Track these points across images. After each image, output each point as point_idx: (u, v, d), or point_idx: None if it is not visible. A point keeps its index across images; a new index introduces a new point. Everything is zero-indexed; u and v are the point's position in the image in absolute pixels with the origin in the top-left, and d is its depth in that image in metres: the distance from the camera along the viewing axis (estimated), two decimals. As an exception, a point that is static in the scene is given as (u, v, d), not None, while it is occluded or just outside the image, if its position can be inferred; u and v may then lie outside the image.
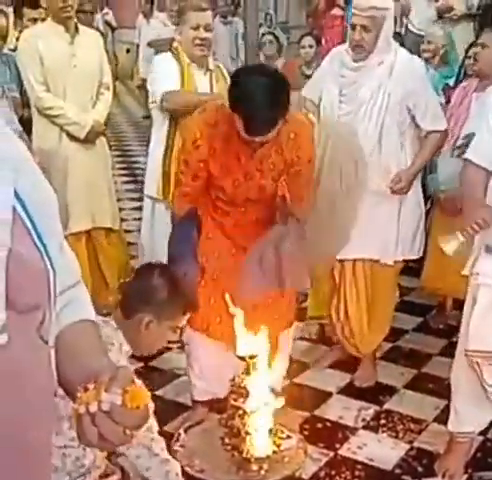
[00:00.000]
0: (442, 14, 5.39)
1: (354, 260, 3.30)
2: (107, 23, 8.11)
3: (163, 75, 3.32)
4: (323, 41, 5.94)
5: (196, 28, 3.26)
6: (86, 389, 0.99)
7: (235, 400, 2.43)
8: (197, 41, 3.27)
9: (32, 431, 1.00)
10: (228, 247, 2.79)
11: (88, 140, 3.65)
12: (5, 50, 3.92)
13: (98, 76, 3.68)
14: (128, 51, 7.43)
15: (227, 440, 2.47)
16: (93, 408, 0.97)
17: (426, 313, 4.28)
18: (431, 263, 3.97)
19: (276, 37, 5.48)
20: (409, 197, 3.27)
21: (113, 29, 7.64)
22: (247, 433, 2.44)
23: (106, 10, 9.66)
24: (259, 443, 2.45)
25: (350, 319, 3.38)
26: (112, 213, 3.78)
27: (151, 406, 1.02)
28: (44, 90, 3.55)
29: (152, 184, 3.46)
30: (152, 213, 3.52)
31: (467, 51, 4.40)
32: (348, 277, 3.34)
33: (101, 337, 1.22)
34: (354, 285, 3.35)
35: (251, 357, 2.43)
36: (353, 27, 3.10)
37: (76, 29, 3.61)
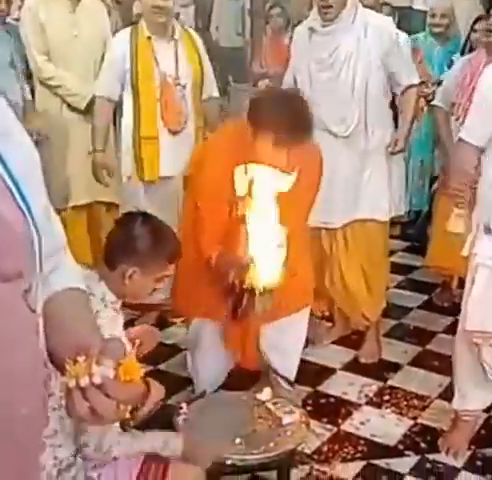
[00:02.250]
0: None
1: (344, 224, 3.30)
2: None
3: (107, 65, 3.36)
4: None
5: None
6: (76, 362, 0.95)
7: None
8: (155, 9, 3.21)
9: (21, 402, 0.96)
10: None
11: (89, 112, 3.58)
12: (9, 19, 3.85)
13: (101, 47, 3.61)
14: (132, 23, 7.28)
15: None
16: (84, 382, 0.93)
17: (431, 291, 4.25)
18: (436, 242, 3.95)
19: (284, 9, 5.36)
20: (390, 156, 3.32)
21: (118, 1, 7.52)
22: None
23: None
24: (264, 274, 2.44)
25: (348, 286, 3.38)
26: (114, 187, 3.73)
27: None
28: (45, 60, 3.49)
29: (127, 165, 3.42)
30: (133, 193, 3.45)
31: (474, 24, 4.34)
32: (340, 243, 3.33)
33: (91, 308, 1.18)
34: (347, 249, 3.35)
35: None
36: None
37: None
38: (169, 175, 3.33)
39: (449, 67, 4.22)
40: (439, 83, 4.12)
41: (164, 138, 3.29)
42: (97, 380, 0.92)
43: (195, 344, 2.91)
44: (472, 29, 4.36)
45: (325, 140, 3.04)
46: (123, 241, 2.01)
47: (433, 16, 4.57)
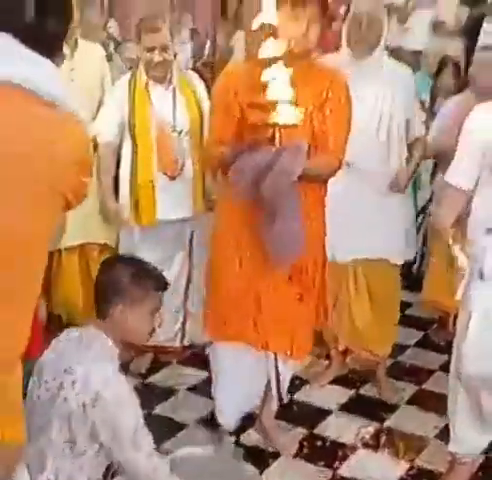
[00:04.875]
0: (437, 28, 5.40)
1: (355, 261, 3.31)
2: (110, 37, 7.90)
3: (107, 111, 3.42)
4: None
5: (151, 50, 3.26)
6: None
7: None
8: (152, 64, 3.28)
9: None
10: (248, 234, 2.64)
11: None
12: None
13: (98, 92, 3.66)
14: (131, 68, 7.36)
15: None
16: None
17: (427, 328, 4.24)
18: (432, 277, 3.95)
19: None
20: (406, 199, 3.44)
21: (117, 43, 7.50)
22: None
23: (110, 23, 9.33)
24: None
25: (357, 324, 3.38)
26: (107, 229, 3.72)
27: None
28: None
29: (125, 208, 3.40)
30: (129, 237, 3.45)
31: (440, 66, 4.42)
32: (351, 281, 3.34)
33: None
34: (357, 288, 3.36)
35: None
36: (357, 24, 3.08)
37: (76, 43, 3.59)
38: (166, 218, 3.34)
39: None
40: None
41: (161, 183, 3.31)
42: None
43: (218, 371, 2.90)
44: (440, 68, 4.44)
45: (345, 175, 2.97)
46: (107, 284, 2.06)
47: (426, 57, 4.70)
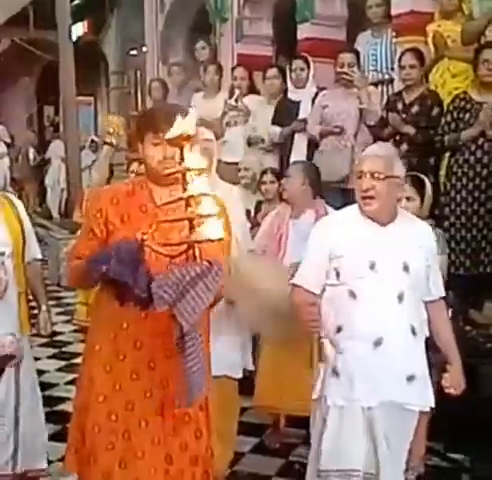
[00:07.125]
0: (252, 143, 5.73)
1: None
2: None
3: None
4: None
5: None
6: None
7: None
8: None
9: None
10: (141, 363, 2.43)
11: None
12: None
13: None
14: None
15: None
16: None
17: (261, 433, 4.25)
18: (262, 381, 4.00)
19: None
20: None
21: None
22: None
23: None
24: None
25: None
26: None
27: None
28: None
29: None
30: None
31: (261, 177, 4.77)
32: None
33: None
34: None
35: None
36: None
37: None
38: None
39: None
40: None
41: None
42: None
43: None
44: (260, 181, 4.76)
45: None
46: None
47: (239, 170, 5.06)
